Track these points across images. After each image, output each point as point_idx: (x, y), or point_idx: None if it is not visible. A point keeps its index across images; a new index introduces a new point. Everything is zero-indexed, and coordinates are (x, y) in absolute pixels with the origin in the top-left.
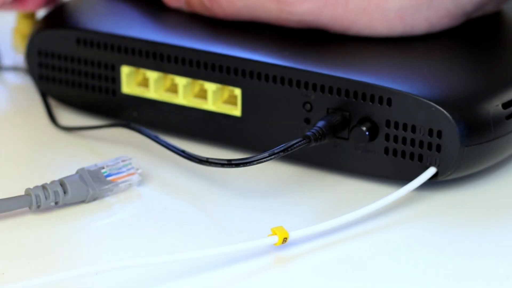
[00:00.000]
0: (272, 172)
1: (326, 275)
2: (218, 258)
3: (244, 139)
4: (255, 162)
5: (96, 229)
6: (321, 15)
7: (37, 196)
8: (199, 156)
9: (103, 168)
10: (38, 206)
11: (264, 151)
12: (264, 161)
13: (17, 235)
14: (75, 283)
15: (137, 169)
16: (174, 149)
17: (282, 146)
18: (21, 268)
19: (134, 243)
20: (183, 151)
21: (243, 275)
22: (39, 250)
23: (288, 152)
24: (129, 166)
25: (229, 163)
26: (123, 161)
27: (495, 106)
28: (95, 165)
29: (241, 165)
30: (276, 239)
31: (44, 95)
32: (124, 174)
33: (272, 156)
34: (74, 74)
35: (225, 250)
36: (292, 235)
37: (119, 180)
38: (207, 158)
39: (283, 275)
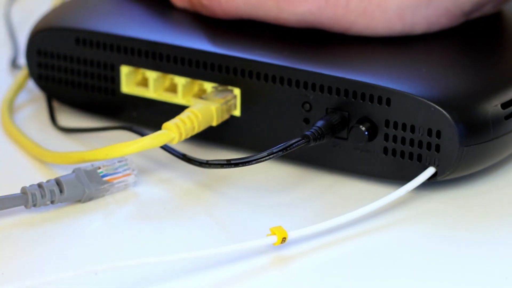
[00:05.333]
0: (271, 171)
1: (325, 275)
2: (216, 258)
3: (243, 138)
4: (254, 162)
5: (94, 228)
6: (321, 16)
7: (33, 195)
8: (199, 159)
9: (99, 168)
10: (34, 205)
11: (263, 150)
12: (263, 161)
13: (13, 234)
14: (75, 283)
15: (133, 170)
16: (174, 152)
17: (281, 146)
18: (18, 267)
19: (132, 243)
20: (183, 155)
21: (242, 275)
22: (35, 249)
23: (287, 152)
24: (125, 167)
25: (229, 163)
26: (119, 161)
27: (494, 106)
28: (91, 165)
29: (240, 165)
30: (275, 239)
31: (48, 96)
32: (120, 174)
33: (271, 156)
34: (74, 74)
35: (224, 250)
36: (291, 235)
37: (115, 181)
38: (207, 161)
39: (282, 275)
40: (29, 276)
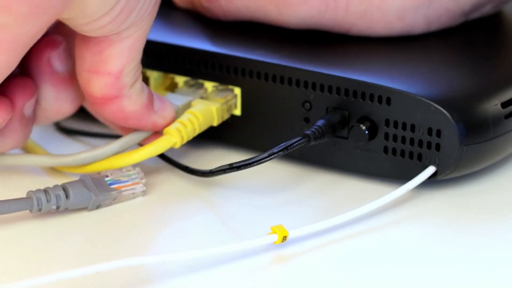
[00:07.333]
0: (271, 171)
1: (325, 274)
2: (218, 257)
3: (243, 138)
4: (255, 164)
5: (94, 227)
6: (322, 19)
7: (38, 199)
8: (202, 170)
9: (106, 176)
10: (40, 209)
11: (264, 150)
12: (264, 162)
13: (18, 237)
14: (76, 282)
15: (142, 179)
16: (177, 165)
17: (282, 146)
18: (18, 267)
19: (133, 242)
20: (186, 167)
21: (243, 273)
22: (36, 249)
23: (288, 151)
24: (134, 176)
25: (231, 168)
26: (127, 170)
27: (494, 105)
28: (99, 172)
29: (242, 168)
30: (275, 237)
31: None
32: (129, 183)
33: (272, 156)
34: None
35: (225, 248)
36: (292, 233)
37: (123, 189)
38: (210, 170)
39: (282, 274)
40: (30, 276)
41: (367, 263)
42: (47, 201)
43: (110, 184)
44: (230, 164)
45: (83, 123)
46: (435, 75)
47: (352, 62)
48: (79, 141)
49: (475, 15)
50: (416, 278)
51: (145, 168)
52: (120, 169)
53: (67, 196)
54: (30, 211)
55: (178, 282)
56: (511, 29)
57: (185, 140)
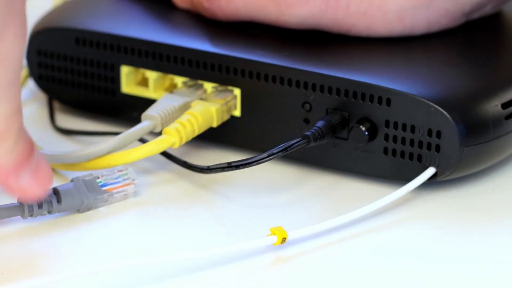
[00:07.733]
0: (271, 172)
1: (325, 275)
2: (217, 258)
3: (243, 139)
4: (254, 164)
5: (93, 228)
6: (322, 19)
7: (29, 206)
8: (200, 166)
9: (98, 177)
10: (31, 215)
11: (264, 151)
12: (264, 162)
13: (10, 238)
14: (75, 283)
15: (133, 180)
16: (175, 159)
17: (281, 146)
18: (18, 267)
19: (132, 243)
20: (184, 162)
21: (242, 275)
22: (36, 249)
23: (287, 152)
24: (125, 177)
25: (229, 166)
26: (119, 171)
27: (494, 106)
28: (90, 174)
29: (241, 167)
30: (275, 239)
31: (50, 98)
32: (120, 184)
33: (271, 157)
34: (74, 74)
35: (224, 250)
36: (291, 235)
37: (114, 190)
38: (208, 167)
39: (282, 275)
40: (29, 276)
41: (367, 264)
42: (38, 207)
43: (102, 186)
44: (229, 163)
45: (81, 122)
46: (435, 75)
47: (352, 63)
48: (76, 142)
49: (476, 15)
50: (416, 278)
51: (144, 168)
52: (112, 170)
53: (58, 201)
54: (22, 217)
55: (176, 283)
56: (511, 29)
57: (184, 141)
